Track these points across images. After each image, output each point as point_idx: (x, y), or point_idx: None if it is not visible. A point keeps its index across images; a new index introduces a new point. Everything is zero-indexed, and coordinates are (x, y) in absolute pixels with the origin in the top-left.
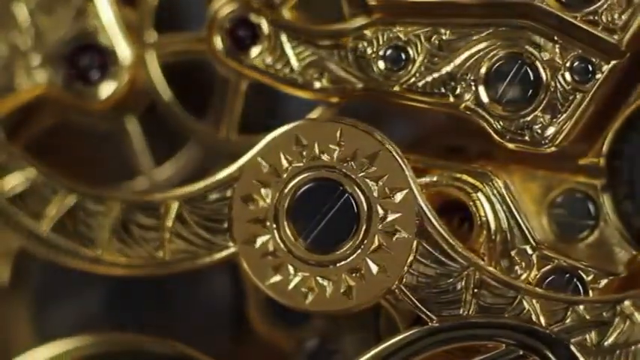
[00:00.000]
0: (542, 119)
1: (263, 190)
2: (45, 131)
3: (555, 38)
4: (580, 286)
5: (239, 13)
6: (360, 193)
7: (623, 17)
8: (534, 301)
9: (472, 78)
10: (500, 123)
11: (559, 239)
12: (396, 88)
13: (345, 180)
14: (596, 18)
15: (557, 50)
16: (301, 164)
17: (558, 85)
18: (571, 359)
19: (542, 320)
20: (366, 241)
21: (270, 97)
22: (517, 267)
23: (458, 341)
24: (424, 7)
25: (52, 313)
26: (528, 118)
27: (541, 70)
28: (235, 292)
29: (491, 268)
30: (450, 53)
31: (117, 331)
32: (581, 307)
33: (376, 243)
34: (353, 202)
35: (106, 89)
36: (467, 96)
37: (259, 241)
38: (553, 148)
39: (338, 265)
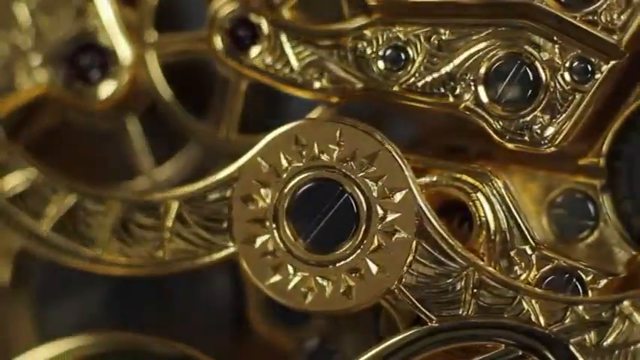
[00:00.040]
0: (541, 119)
1: (263, 190)
2: (45, 131)
3: (555, 38)
4: (579, 287)
5: (239, 13)
6: (359, 193)
7: (623, 17)
8: (533, 301)
9: (471, 78)
10: (500, 123)
11: (559, 239)
12: (396, 88)
13: (344, 180)
14: (595, 18)
15: (556, 50)
16: (301, 164)
17: (558, 85)
18: (570, 359)
19: (542, 320)
20: (365, 241)
21: (270, 97)
22: (516, 267)
23: (457, 341)
24: (424, 7)
25: (53, 313)
26: (528, 118)
27: (540, 70)
28: (235, 292)
29: (490, 269)
30: (449, 53)
31: (118, 331)
32: (581, 307)
33: (376, 243)
34: (352, 202)
35: (107, 89)
36: (466, 96)
37: (259, 241)
38: (552, 149)
39: (337, 265)
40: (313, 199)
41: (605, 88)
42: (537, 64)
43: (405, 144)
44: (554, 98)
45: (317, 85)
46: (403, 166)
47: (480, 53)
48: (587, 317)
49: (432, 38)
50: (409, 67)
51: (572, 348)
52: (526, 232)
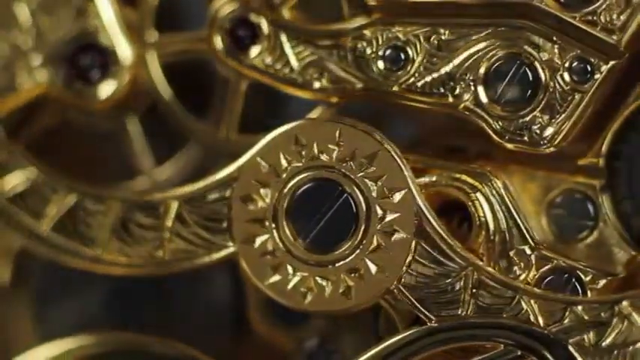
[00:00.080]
0: (540, 119)
1: (262, 190)
2: (45, 131)
3: (554, 38)
4: (578, 287)
5: (239, 13)
6: (358, 193)
7: (622, 17)
8: (532, 301)
9: (471, 78)
10: (499, 123)
11: (558, 239)
12: (395, 88)
13: (344, 180)
14: (594, 18)
15: (556, 50)
16: (300, 164)
17: (557, 85)
18: (569, 359)
19: (541, 320)
20: (364, 241)
21: (270, 97)
22: (516, 267)
23: (456, 341)
24: (423, 7)
25: (53, 313)
26: (527, 119)
27: (540, 70)
28: (235, 292)
29: (489, 269)
30: (449, 53)
31: (118, 331)
32: (580, 307)
33: (375, 243)
34: (352, 202)
35: (107, 89)
36: (466, 96)
37: (258, 240)
38: (552, 149)
39: (337, 265)
40: (313, 199)
41: (605, 89)
42: (537, 64)
43: (404, 144)
44: (554, 98)
45: (317, 85)
46: (402, 166)
47: (480, 53)
48: (586, 317)
49: (432, 38)
50: (409, 67)
51: (570, 348)
52: (525, 233)
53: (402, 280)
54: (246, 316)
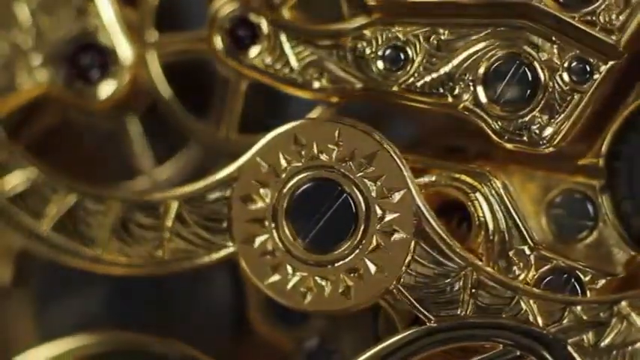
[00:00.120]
0: (540, 119)
1: (262, 190)
2: (46, 131)
3: (553, 39)
4: (578, 287)
5: (239, 13)
6: (358, 193)
7: (621, 18)
8: (532, 301)
9: (470, 78)
10: (499, 123)
11: (558, 239)
12: (395, 88)
13: (343, 180)
14: (594, 18)
15: (555, 51)
16: (300, 164)
17: (556, 85)
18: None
19: (540, 321)
20: (364, 241)
21: (270, 97)
22: (515, 267)
23: (455, 341)
24: (423, 7)
25: (53, 313)
26: (526, 119)
27: (539, 70)
28: (235, 292)
29: (489, 269)
30: (448, 53)
31: (118, 331)
32: (579, 307)
33: (374, 243)
34: (351, 202)
35: (107, 89)
36: (465, 96)
37: (258, 240)
38: (551, 149)
39: (336, 265)
40: (312, 199)
41: (604, 89)
42: (536, 64)
43: (404, 144)
44: (553, 98)
45: (316, 85)
46: (402, 166)
47: (479, 53)
48: (585, 317)
49: (431, 38)
50: (408, 67)
51: (570, 348)
52: (524, 233)
53: (402, 280)
54: (246, 316)
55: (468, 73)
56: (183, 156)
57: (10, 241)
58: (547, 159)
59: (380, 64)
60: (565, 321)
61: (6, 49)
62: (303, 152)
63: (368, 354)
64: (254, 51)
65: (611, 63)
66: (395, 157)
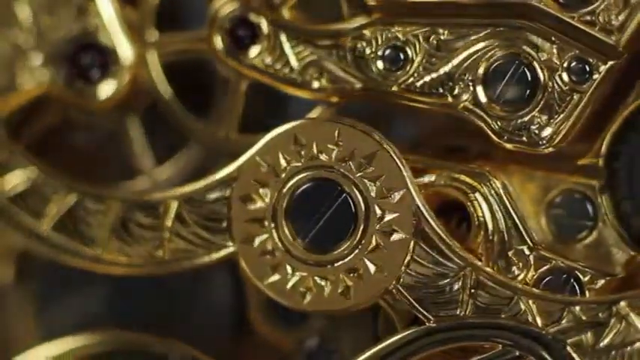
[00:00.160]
0: (539, 120)
1: (261, 190)
2: (46, 130)
3: (553, 39)
4: (577, 287)
5: (239, 13)
6: (357, 193)
7: (621, 18)
8: (531, 301)
9: (470, 78)
10: (498, 123)
11: (557, 239)
12: (395, 88)
13: (342, 180)
14: (593, 18)
15: (554, 51)
16: (299, 164)
17: (556, 85)
18: None
19: (539, 321)
20: (363, 241)
21: (270, 97)
22: (514, 267)
23: (455, 341)
24: (423, 7)
25: (54, 312)
26: (526, 119)
27: (539, 70)
28: (236, 292)
29: (488, 269)
30: (448, 53)
31: (118, 330)
32: (578, 307)
33: (374, 243)
34: (351, 202)
35: (107, 88)
36: (465, 96)
37: (257, 240)
38: (550, 149)
39: (336, 265)
40: (312, 198)
41: (604, 89)
42: (535, 64)
43: (403, 144)
44: (552, 98)
45: (316, 84)
46: (401, 166)
47: (479, 53)
48: (584, 318)
49: (431, 38)
50: (408, 67)
51: (569, 348)
52: (524, 233)
53: (401, 280)
54: (246, 317)
55: (467, 73)
56: (183, 156)
57: (11, 241)
58: (547, 159)
59: (380, 64)
60: (564, 321)
61: (7, 49)
62: (302, 152)
63: (367, 354)
64: (254, 51)
65: (610, 63)
66: (394, 157)
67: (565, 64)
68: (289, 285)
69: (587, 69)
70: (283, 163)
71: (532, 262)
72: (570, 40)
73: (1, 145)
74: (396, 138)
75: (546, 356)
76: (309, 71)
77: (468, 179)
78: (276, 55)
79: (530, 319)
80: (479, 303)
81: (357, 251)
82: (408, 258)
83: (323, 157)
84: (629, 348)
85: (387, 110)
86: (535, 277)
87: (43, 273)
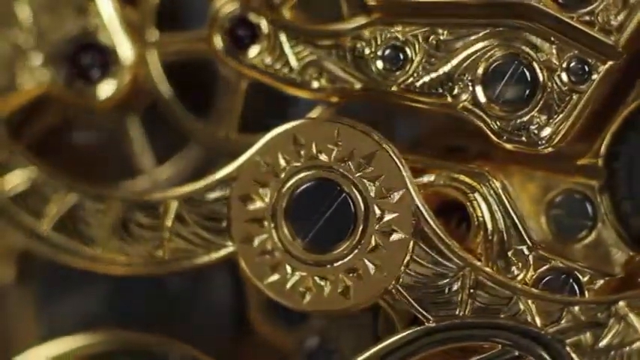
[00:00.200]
0: (538, 120)
1: (261, 190)
2: (46, 130)
3: (552, 39)
4: (576, 287)
5: (239, 13)
6: (357, 193)
7: (620, 18)
8: (530, 301)
9: (469, 78)
10: (497, 123)
11: (557, 239)
12: (394, 88)
13: (342, 180)
14: (592, 19)
15: (553, 51)
16: (299, 164)
17: (555, 85)
18: None
19: (538, 321)
20: (363, 241)
21: (270, 97)
22: (514, 267)
23: (454, 341)
24: (423, 7)
25: (54, 312)
26: (525, 119)
27: (538, 70)
28: (236, 292)
29: (487, 269)
30: (447, 53)
31: (119, 330)
32: (577, 308)
33: (373, 243)
34: (350, 202)
35: (107, 88)
36: (464, 96)
37: (257, 240)
38: (550, 149)
39: (335, 264)
40: (311, 198)
41: (603, 89)
42: (535, 64)
43: (403, 144)
44: (552, 99)
45: (316, 84)
46: (401, 166)
47: (478, 53)
48: (583, 318)
49: (430, 38)
50: (407, 67)
51: (568, 348)
52: (523, 233)
53: (400, 280)
54: (246, 317)
55: (467, 73)
56: (183, 156)
57: (11, 241)
58: (546, 159)
59: (379, 64)
60: (563, 321)
61: (7, 49)
62: (302, 152)
63: (367, 354)
64: (254, 51)
65: (609, 63)
66: (394, 157)
67: (564, 64)
68: (289, 285)
69: (587, 69)
70: (283, 163)
71: (531, 262)
72: (569, 41)
73: (2, 145)
74: (396, 138)
75: (545, 356)
76: (308, 71)
77: (467, 179)
78: (275, 55)
79: (529, 319)
80: (478, 303)
81: (356, 251)
82: (408, 258)
83: (322, 157)
84: (627, 348)
85: (386, 110)
86: (534, 277)
87: (43, 273)
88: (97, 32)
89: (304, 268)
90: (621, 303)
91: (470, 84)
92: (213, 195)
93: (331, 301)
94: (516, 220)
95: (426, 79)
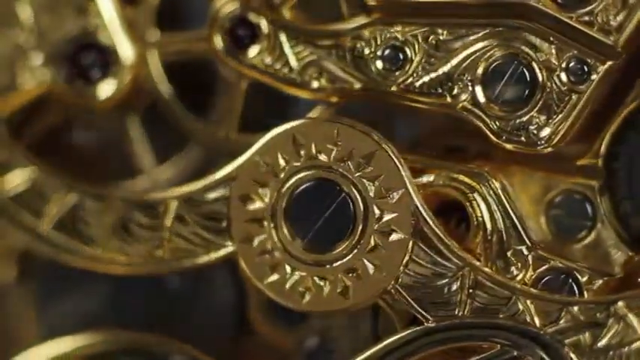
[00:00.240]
0: (537, 120)
1: (261, 190)
2: (47, 130)
3: (551, 39)
4: (575, 287)
5: (239, 13)
6: (356, 193)
7: (619, 18)
8: (529, 301)
9: (469, 78)
10: (497, 123)
11: (556, 240)
12: (394, 88)
13: (341, 180)
14: (591, 19)
15: (553, 51)
16: (298, 164)
17: (554, 85)
18: None
19: (537, 321)
20: (362, 241)
21: (270, 96)
22: (513, 267)
23: (453, 341)
24: (422, 7)
25: (54, 312)
26: (524, 119)
27: (537, 70)
28: (236, 292)
29: (486, 269)
30: (447, 53)
31: (119, 330)
32: (576, 308)
33: (372, 243)
34: (349, 202)
35: (108, 88)
36: (464, 96)
37: (257, 240)
38: (549, 149)
39: (334, 264)
40: (311, 198)
41: (602, 89)
42: (534, 64)
43: (403, 144)
44: (551, 99)
45: (315, 84)
46: (400, 166)
47: (478, 54)
48: (582, 318)
49: (430, 38)
50: (407, 67)
51: (566, 349)
52: (522, 233)
53: (400, 280)
54: (246, 317)
55: (466, 73)
56: (183, 156)
57: (11, 241)
58: (546, 159)
59: (379, 64)
60: (562, 321)
61: (7, 49)
62: (301, 152)
63: (367, 354)
64: (254, 51)
65: (609, 63)
66: (393, 157)
67: (563, 65)
68: (288, 285)
69: (586, 69)
70: (282, 163)
71: (530, 262)
72: (569, 41)
73: (2, 144)
74: (395, 138)
75: (544, 356)
76: (308, 71)
77: (466, 179)
78: (275, 54)
79: (528, 319)
80: (477, 303)
81: (355, 251)
82: (407, 258)
83: (322, 157)
84: (626, 348)
85: (386, 110)
86: (533, 277)
87: (43, 273)
88: (98, 32)
89: (304, 268)
90: (620, 303)
91: (469, 84)
92: (212, 195)
93: (330, 301)
94: (516, 220)
95: (426, 79)
